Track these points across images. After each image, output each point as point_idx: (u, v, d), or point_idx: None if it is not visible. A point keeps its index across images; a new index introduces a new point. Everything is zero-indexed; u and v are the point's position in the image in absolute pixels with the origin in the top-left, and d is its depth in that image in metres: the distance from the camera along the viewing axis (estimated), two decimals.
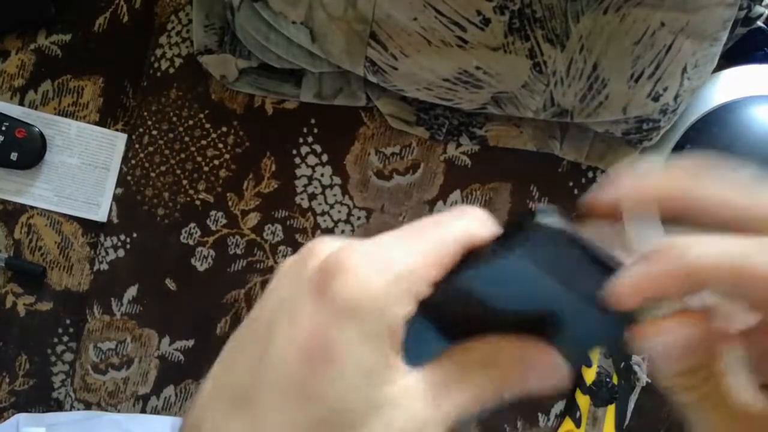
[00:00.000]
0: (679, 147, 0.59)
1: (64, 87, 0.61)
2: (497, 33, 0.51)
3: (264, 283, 0.62)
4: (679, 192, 0.22)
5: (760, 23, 0.57)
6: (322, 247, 0.23)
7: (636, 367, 0.62)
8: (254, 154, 0.61)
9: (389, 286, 0.21)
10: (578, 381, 0.63)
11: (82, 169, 0.61)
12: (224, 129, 0.61)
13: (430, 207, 0.62)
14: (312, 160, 0.61)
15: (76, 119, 0.61)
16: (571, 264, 0.22)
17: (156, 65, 0.60)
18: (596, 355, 0.61)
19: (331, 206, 0.61)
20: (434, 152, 0.61)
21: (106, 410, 0.62)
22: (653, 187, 0.23)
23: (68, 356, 0.63)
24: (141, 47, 0.60)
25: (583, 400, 0.63)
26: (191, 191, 0.61)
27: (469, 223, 0.23)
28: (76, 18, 0.60)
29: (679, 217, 0.22)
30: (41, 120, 0.60)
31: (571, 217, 0.22)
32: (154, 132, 0.60)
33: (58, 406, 0.63)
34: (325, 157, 0.61)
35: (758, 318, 0.21)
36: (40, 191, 0.61)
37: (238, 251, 0.61)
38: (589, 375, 0.62)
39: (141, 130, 0.60)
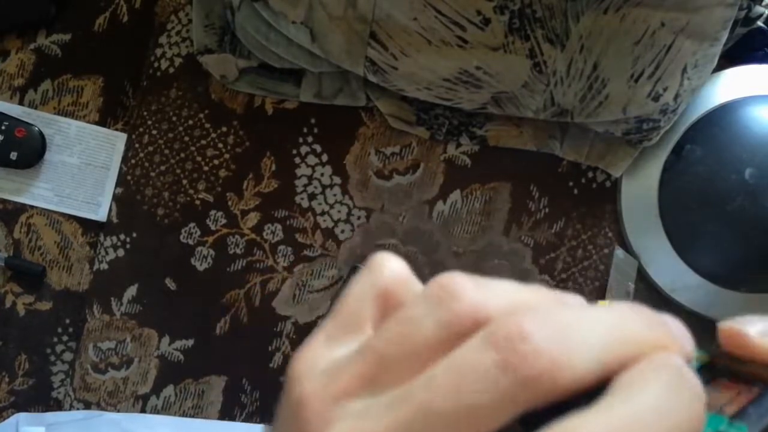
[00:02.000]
0: (679, 147, 0.59)
1: (64, 87, 0.61)
2: (497, 33, 0.51)
3: (264, 283, 0.62)
4: None
5: (760, 23, 0.57)
6: None
7: None
8: (254, 154, 0.61)
9: None
10: None
11: (81, 168, 0.61)
12: (224, 129, 0.61)
13: (430, 207, 0.62)
14: (312, 159, 0.61)
15: (76, 119, 0.61)
16: None
17: (156, 65, 0.60)
18: None
19: (331, 206, 0.61)
20: (434, 152, 0.61)
21: (106, 410, 0.62)
22: None
23: (68, 356, 0.63)
24: (141, 47, 0.60)
25: None
26: (191, 191, 0.61)
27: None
28: (76, 18, 0.60)
29: None
30: (41, 119, 0.60)
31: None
32: (154, 132, 0.60)
33: (58, 406, 0.63)
34: (325, 157, 0.61)
35: None
36: (40, 191, 0.61)
37: (238, 251, 0.61)
38: None
39: (141, 129, 0.60)
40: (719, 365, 0.17)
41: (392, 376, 0.17)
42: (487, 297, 0.18)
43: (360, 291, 0.21)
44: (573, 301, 0.19)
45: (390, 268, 0.21)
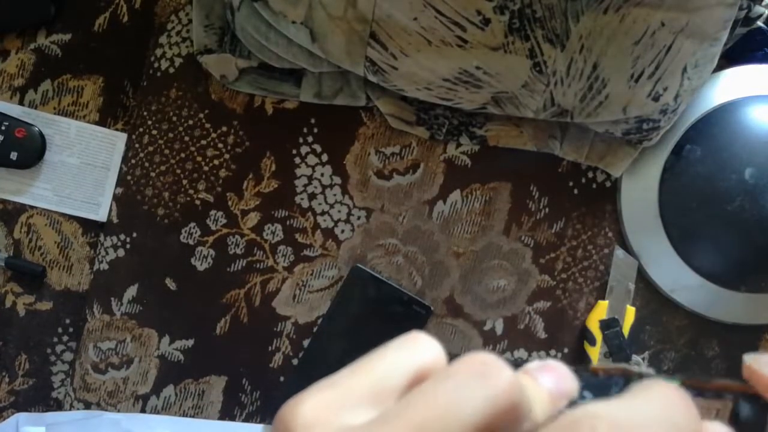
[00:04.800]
0: (679, 147, 0.59)
1: (64, 87, 0.61)
2: (497, 33, 0.51)
3: (264, 283, 0.62)
4: None
5: (760, 23, 0.57)
6: None
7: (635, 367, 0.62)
8: (254, 154, 0.61)
9: None
10: None
11: (81, 168, 0.61)
12: (224, 129, 0.61)
13: (430, 207, 0.62)
14: (312, 159, 0.61)
15: (76, 119, 0.61)
16: None
17: (156, 65, 0.60)
18: (596, 354, 0.62)
19: (331, 206, 0.61)
20: (434, 152, 0.61)
21: (106, 410, 0.62)
22: None
23: (68, 356, 0.63)
24: (141, 47, 0.60)
25: None
26: (191, 191, 0.61)
27: None
28: (76, 18, 0.60)
29: None
30: (41, 119, 0.60)
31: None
32: (154, 132, 0.61)
33: (58, 406, 0.63)
34: (325, 157, 0.61)
35: None
36: (40, 191, 0.61)
37: (238, 251, 0.61)
38: None
39: (141, 129, 0.60)
40: (688, 386, 0.19)
41: None
42: (520, 376, 0.19)
43: (397, 362, 0.20)
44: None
45: (432, 349, 0.20)
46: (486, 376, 0.18)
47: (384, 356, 0.20)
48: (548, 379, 0.20)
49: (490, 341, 0.63)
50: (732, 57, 0.60)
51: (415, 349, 0.20)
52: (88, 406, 0.62)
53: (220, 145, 0.61)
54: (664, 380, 0.18)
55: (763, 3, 0.56)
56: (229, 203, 0.61)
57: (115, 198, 0.61)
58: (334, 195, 0.61)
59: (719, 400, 0.19)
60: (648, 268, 0.62)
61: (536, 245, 0.62)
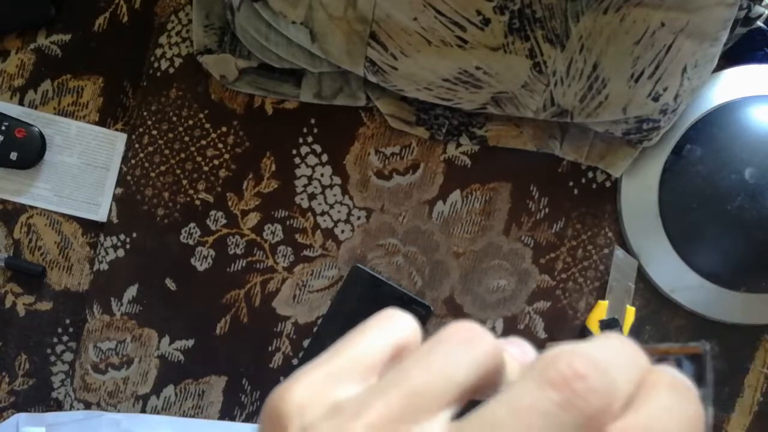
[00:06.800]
0: (679, 147, 0.59)
1: (64, 87, 0.61)
2: (497, 33, 0.51)
3: (264, 283, 0.62)
4: None
5: (760, 23, 0.57)
6: None
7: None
8: (254, 154, 0.61)
9: None
10: None
11: (81, 168, 0.61)
12: (224, 129, 0.61)
13: (429, 207, 0.62)
14: (312, 160, 0.61)
15: (76, 119, 0.61)
16: None
17: (156, 65, 0.60)
18: None
19: (331, 206, 0.61)
20: (434, 152, 0.61)
21: (106, 410, 0.62)
22: None
23: (68, 356, 0.63)
24: (141, 47, 0.60)
25: None
26: (191, 191, 0.61)
27: None
28: (76, 18, 0.60)
29: None
30: (41, 120, 0.60)
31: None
32: (154, 132, 0.61)
33: (58, 406, 0.63)
34: (325, 157, 0.61)
35: None
36: (40, 191, 0.61)
37: (238, 251, 0.61)
38: None
39: (141, 130, 0.60)
40: None
41: (424, 412, 0.18)
42: (498, 340, 0.20)
43: (377, 339, 0.21)
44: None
45: (409, 325, 0.21)
46: (473, 342, 0.20)
47: (364, 334, 0.21)
48: (514, 350, 0.23)
49: None
50: (732, 57, 0.60)
51: (393, 326, 0.21)
52: (88, 406, 0.62)
53: (220, 145, 0.61)
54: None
55: (763, 3, 0.56)
56: (229, 203, 0.61)
57: (115, 198, 0.61)
58: (334, 195, 0.61)
59: (664, 362, 0.21)
60: (648, 268, 0.62)
61: (536, 245, 0.62)
